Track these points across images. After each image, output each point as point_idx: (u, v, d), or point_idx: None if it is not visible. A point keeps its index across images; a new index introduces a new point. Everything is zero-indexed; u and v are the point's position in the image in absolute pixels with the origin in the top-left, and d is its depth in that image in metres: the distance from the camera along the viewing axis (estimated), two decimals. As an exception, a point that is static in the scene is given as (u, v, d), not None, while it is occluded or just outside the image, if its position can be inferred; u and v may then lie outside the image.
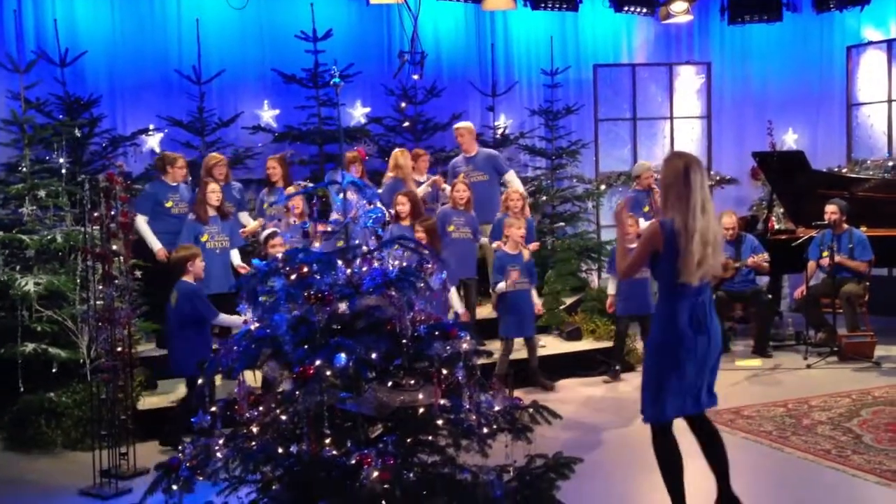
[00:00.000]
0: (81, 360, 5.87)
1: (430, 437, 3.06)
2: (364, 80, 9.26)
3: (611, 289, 7.16)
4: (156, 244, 6.70)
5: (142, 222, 6.75)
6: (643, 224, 7.98)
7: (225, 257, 6.68)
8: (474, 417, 3.07)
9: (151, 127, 8.59)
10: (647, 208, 8.06)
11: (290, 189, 7.11)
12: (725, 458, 4.03)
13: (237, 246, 6.85)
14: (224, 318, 5.62)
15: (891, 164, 10.15)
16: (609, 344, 7.37)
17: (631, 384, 6.92)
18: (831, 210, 7.70)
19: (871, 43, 10.61)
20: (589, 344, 7.64)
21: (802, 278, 7.91)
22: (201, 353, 5.39)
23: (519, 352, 6.91)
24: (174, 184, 6.94)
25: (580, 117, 10.45)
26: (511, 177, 8.04)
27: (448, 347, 3.03)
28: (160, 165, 7.03)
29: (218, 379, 5.47)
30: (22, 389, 5.86)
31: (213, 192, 6.64)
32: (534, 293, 6.87)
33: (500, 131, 9.97)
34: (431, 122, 9.59)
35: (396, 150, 7.85)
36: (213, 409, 3.08)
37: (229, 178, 7.49)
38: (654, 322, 3.96)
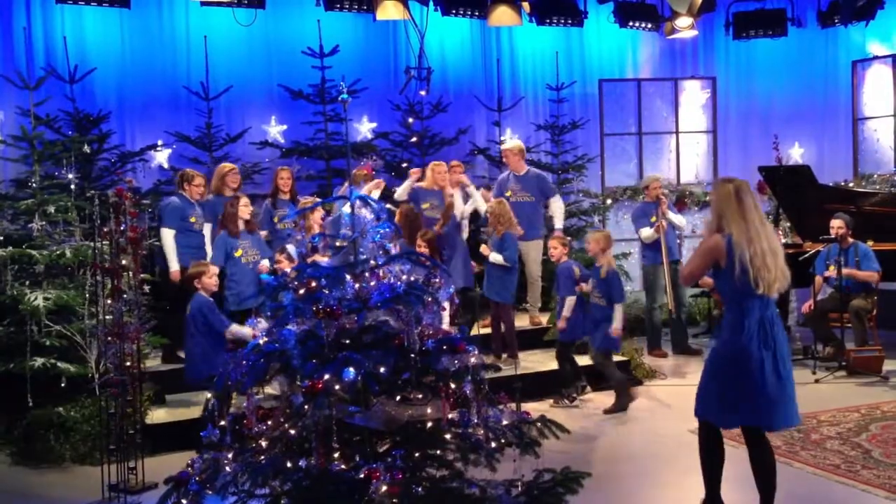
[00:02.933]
0: (90, 375, 5.89)
1: (438, 452, 3.07)
2: (370, 96, 9.31)
3: (566, 310, 6.76)
4: (174, 264, 6.73)
5: (170, 237, 6.81)
6: (646, 232, 8.13)
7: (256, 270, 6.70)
8: (482, 432, 3.08)
9: (160, 143, 8.65)
10: (654, 218, 8.16)
11: (307, 201, 7.14)
12: (772, 481, 4.04)
13: (266, 257, 6.84)
14: (236, 328, 5.73)
15: (898, 178, 10.15)
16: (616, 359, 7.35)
17: (641, 398, 6.92)
18: (837, 224, 7.69)
19: (876, 58, 10.63)
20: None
21: (810, 293, 7.90)
22: (215, 363, 5.47)
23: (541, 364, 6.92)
24: (193, 200, 7.00)
25: (586, 132, 10.48)
26: (556, 201, 8.20)
27: (456, 362, 3.05)
28: (179, 182, 7.05)
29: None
30: (31, 404, 5.87)
31: (246, 206, 6.70)
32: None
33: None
34: (438, 137, 9.63)
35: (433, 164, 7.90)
36: (223, 423, 3.10)
37: (240, 187, 7.54)
38: (722, 330, 4.08)
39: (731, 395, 3.92)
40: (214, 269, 5.99)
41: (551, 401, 6.75)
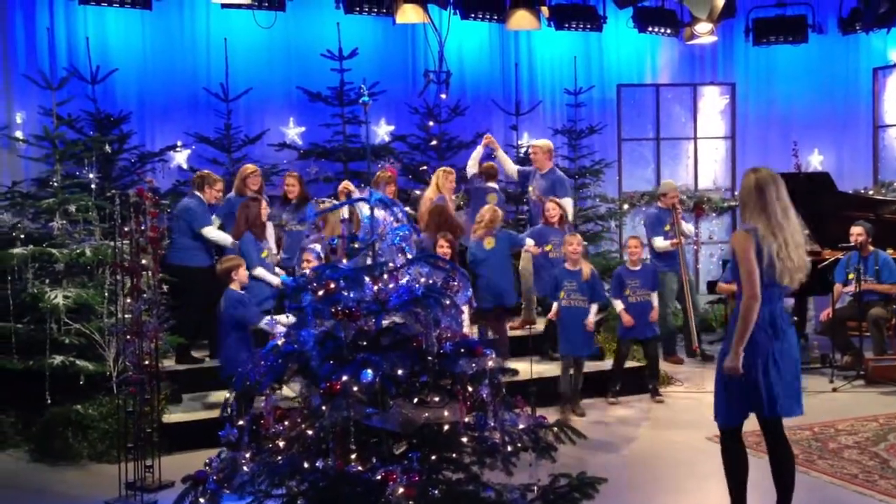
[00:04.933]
0: (108, 373, 5.93)
1: (454, 455, 3.07)
2: (389, 99, 9.34)
3: (620, 308, 7.03)
4: (229, 239, 6.81)
5: (212, 231, 6.90)
6: (660, 243, 8.13)
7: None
8: (499, 435, 3.08)
9: (179, 143, 8.71)
10: (667, 227, 8.16)
11: (325, 203, 7.17)
12: (791, 474, 4.05)
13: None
14: (267, 322, 5.77)
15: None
16: (634, 364, 7.34)
17: (655, 405, 6.90)
18: (857, 232, 7.64)
19: (897, 65, 10.58)
20: (612, 363, 7.57)
21: (828, 301, 7.84)
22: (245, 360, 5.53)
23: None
24: (209, 203, 7.05)
25: (603, 137, 10.46)
26: (567, 200, 8.16)
27: (473, 365, 3.05)
28: (199, 184, 7.07)
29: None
30: (49, 401, 5.92)
31: (266, 210, 6.85)
32: (592, 309, 6.68)
33: (523, 150, 10.00)
34: (455, 141, 9.64)
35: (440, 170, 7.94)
36: (241, 422, 3.11)
37: (263, 189, 7.57)
38: (730, 330, 4.01)
39: (740, 388, 3.88)
40: (244, 262, 6.08)
41: (610, 399, 7.02)
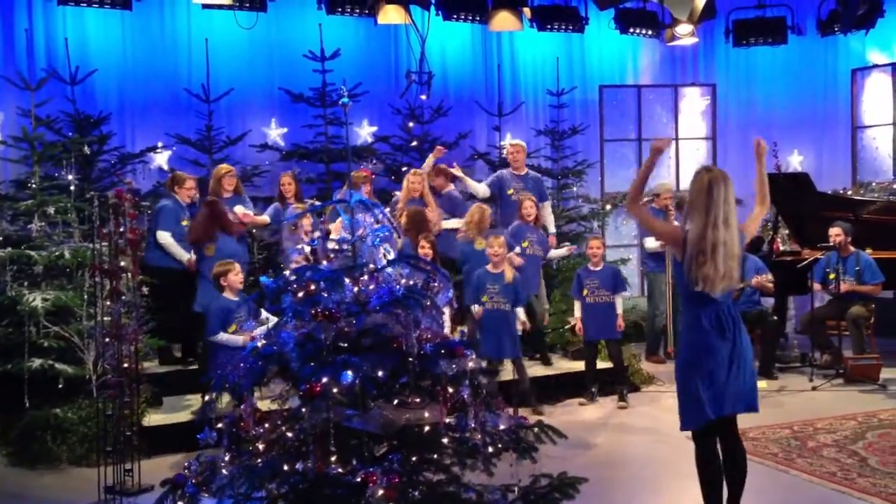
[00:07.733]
0: (88, 376, 5.89)
1: (435, 456, 3.07)
2: (371, 100, 9.32)
3: (577, 312, 7.12)
4: (184, 255, 6.80)
5: (167, 237, 6.84)
6: (651, 243, 8.18)
7: None
8: (479, 436, 3.08)
9: (160, 144, 8.65)
10: None
11: (298, 207, 7.15)
12: (741, 475, 3.99)
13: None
14: (223, 336, 5.73)
15: (896, 186, 10.17)
16: (608, 365, 7.36)
17: (635, 404, 6.93)
18: (835, 232, 7.69)
19: (875, 66, 10.66)
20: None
21: (807, 300, 7.89)
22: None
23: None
24: (184, 203, 7.01)
25: (586, 138, 10.49)
26: (548, 206, 8.15)
27: (454, 366, 3.04)
28: (170, 184, 7.09)
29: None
30: (28, 405, 5.87)
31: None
32: (519, 312, 6.58)
33: (505, 151, 10.01)
34: (438, 142, 9.62)
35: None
36: (220, 425, 3.10)
37: (241, 190, 7.53)
38: (681, 332, 4.04)
39: (699, 392, 3.85)
40: (239, 267, 6.01)
41: (581, 400, 7.04)
